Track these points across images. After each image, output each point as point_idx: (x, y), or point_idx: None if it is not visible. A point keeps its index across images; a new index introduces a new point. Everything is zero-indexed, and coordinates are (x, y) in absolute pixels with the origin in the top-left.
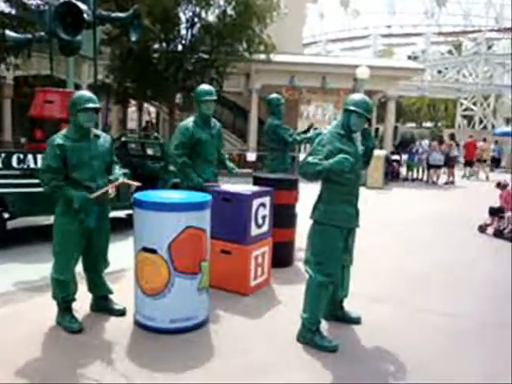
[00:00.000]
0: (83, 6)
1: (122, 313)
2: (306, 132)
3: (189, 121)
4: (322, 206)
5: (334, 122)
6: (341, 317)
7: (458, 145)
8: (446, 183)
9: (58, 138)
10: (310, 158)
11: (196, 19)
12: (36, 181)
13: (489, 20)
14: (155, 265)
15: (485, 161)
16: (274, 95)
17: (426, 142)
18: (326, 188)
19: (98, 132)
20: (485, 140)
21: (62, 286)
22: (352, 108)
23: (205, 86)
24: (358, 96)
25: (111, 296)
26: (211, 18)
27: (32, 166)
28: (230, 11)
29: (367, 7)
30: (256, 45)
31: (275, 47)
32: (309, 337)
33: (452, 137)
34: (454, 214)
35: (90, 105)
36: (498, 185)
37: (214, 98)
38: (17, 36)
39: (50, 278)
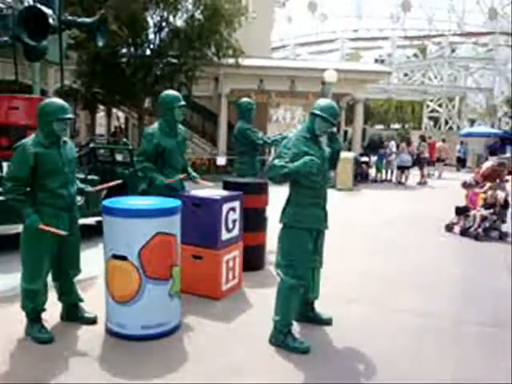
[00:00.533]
0: (48, 11)
1: (93, 321)
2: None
3: (154, 128)
4: (290, 210)
5: (300, 126)
6: (312, 318)
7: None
8: (419, 183)
9: (31, 146)
10: (276, 161)
11: (164, 23)
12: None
13: (451, 25)
14: (126, 272)
15: (443, 160)
16: (245, 99)
17: (392, 144)
18: (294, 191)
19: (65, 138)
20: (444, 141)
21: (32, 296)
22: (317, 112)
23: (173, 92)
24: (324, 101)
25: (82, 304)
26: (179, 22)
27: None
28: (198, 15)
29: (334, 11)
30: (224, 49)
31: (243, 51)
32: (281, 339)
33: (423, 138)
34: (422, 213)
35: (66, 115)
36: (464, 184)
37: (184, 103)
38: None
39: (19, 288)
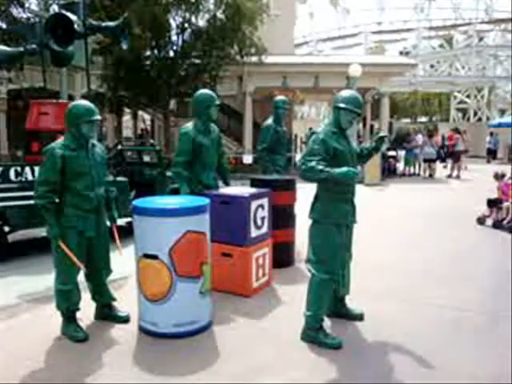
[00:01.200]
0: (73, 17)
1: (125, 319)
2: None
3: (189, 127)
4: (319, 205)
5: (327, 120)
6: (344, 314)
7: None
8: (449, 176)
9: (58, 149)
10: (312, 163)
11: (186, 24)
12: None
13: (479, 12)
14: (157, 270)
15: (465, 151)
16: (278, 97)
17: (419, 137)
18: (322, 187)
19: (94, 141)
20: (464, 132)
21: (66, 296)
22: (341, 105)
23: (207, 91)
24: (346, 93)
25: (115, 303)
26: (201, 22)
27: (30, 178)
28: (219, 15)
29: (357, 5)
30: (247, 47)
31: (266, 49)
32: (312, 335)
33: (457, 130)
34: (452, 207)
35: (94, 117)
36: (496, 176)
37: (218, 102)
38: (8, 50)
39: (53, 288)
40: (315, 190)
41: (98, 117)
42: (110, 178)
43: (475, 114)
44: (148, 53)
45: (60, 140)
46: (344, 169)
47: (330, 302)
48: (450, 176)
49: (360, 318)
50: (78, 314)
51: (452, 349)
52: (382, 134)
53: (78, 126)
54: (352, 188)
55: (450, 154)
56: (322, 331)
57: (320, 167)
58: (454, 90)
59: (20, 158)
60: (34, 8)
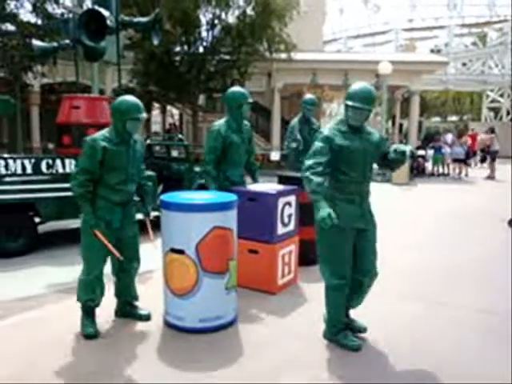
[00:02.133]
0: (106, 13)
1: (147, 318)
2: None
3: (220, 124)
4: None
5: (338, 118)
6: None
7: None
8: (488, 178)
9: (101, 141)
10: (308, 173)
11: (216, 21)
12: (64, 185)
13: None
14: (183, 265)
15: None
16: (307, 95)
17: (449, 136)
18: (328, 185)
19: (136, 137)
20: (487, 132)
21: (89, 287)
22: (347, 103)
23: (239, 89)
24: (355, 86)
25: (137, 302)
26: (231, 18)
27: (60, 170)
28: (249, 11)
29: (388, 1)
30: (276, 44)
31: (295, 46)
32: (333, 335)
33: (492, 130)
34: (482, 208)
35: (142, 115)
36: None
37: (251, 99)
38: (43, 45)
39: (76, 282)
40: None
41: (145, 115)
42: (148, 173)
43: (508, 113)
44: (178, 48)
45: (99, 132)
46: (324, 213)
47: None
48: (488, 178)
49: (363, 331)
50: (101, 310)
51: (479, 354)
52: (403, 147)
53: (124, 122)
54: (360, 189)
55: (485, 155)
56: (342, 332)
57: (313, 187)
58: (487, 88)
59: (51, 151)
60: (68, 4)
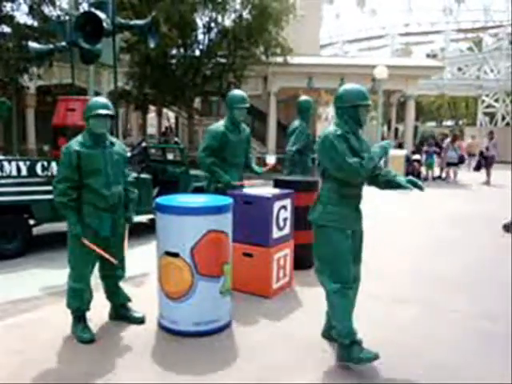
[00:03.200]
0: (102, 15)
1: (141, 321)
2: None
3: (219, 124)
4: (320, 206)
5: (335, 121)
6: (334, 338)
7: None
8: (485, 183)
9: (74, 145)
10: (348, 159)
11: (213, 24)
12: None
13: (510, 14)
14: (178, 268)
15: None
16: (302, 97)
17: (448, 141)
18: (326, 187)
19: (113, 139)
20: (488, 137)
21: (78, 294)
22: (338, 105)
23: (239, 93)
24: (340, 90)
25: (131, 304)
26: (228, 22)
27: (56, 173)
28: (246, 15)
29: (384, 6)
30: (273, 47)
31: (292, 49)
32: (345, 354)
33: (491, 135)
34: (478, 213)
35: (102, 111)
36: None
37: (247, 105)
38: (39, 47)
39: (66, 286)
40: (322, 190)
41: (106, 111)
42: (132, 176)
43: (503, 118)
44: (174, 51)
45: (79, 136)
46: (381, 144)
47: (324, 323)
48: (485, 183)
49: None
50: (94, 314)
51: (475, 358)
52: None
53: (88, 120)
54: (356, 192)
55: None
56: (354, 345)
57: (354, 160)
58: (482, 93)
59: (46, 153)
60: (65, 6)
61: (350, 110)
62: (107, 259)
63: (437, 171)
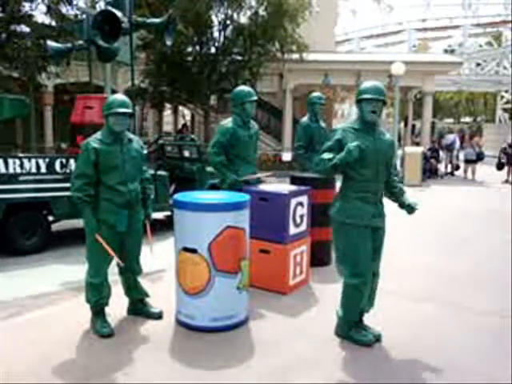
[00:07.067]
0: (119, 14)
1: (158, 316)
2: None
3: (228, 121)
4: (338, 203)
5: (352, 118)
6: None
7: None
8: (506, 181)
9: (92, 142)
10: (324, 155)
11: (228, 21)
12: None
13: None
14: (196, 264)
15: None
16: (313, 94)
17: (449, 137)
18: (343, 184)
19: (131, 136)
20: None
21: (96, 289)
22: (360, 97)
23: (245, 88)
24: (364, 84)
25: (148, 299)
26: (243, 19)
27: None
28: (261, 12)
29: (401, 1)
30: (288, 44)
31: (308, 46)
32: (345, 332)
33: None
34: (495, 211)
35: (121, 109)
36: None
37: (255, 98)
38: (58, 46)
39: (84, 282)
40: (341, 186)
41: (125, 110)
42: (149, 173)
43: None
44: (190, 49)
45: (98, 133)
46: (346, 147)
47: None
48: (506, 181)
49: (378, 339)
50: (111, 309)
51: (481, 353)
52: (412, 203)
53: (107, 118)
54: (375, 187)
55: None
56: (354, 329)
57: (329, 156)
58: (501, 89)
59: (64, 151)
60: (82, 5)
61: (357, 106)
62: (119, 258)
63: (449, 167)
